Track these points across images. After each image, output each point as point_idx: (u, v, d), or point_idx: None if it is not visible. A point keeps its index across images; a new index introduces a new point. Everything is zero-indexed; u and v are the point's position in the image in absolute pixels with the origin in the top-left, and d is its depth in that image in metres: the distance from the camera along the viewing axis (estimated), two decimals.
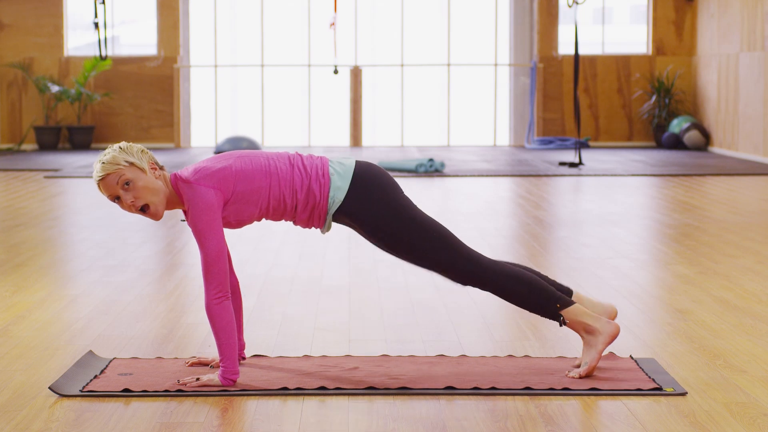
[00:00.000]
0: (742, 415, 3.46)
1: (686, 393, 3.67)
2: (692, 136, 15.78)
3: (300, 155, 3.90)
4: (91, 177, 11.99)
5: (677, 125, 16.09)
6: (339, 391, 3.69)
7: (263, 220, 3.92)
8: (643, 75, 16.77)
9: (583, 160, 13.67)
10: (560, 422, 3.40)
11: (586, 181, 11.72)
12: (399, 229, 3.84)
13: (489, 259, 3.91)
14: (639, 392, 3.67)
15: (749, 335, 4.53)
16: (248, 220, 3.86)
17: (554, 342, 4.43)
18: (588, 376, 3.88)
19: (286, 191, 3.82)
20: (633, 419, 3.42)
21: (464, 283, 3.90)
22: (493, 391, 3.68)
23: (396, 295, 5.44)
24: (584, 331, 3.91)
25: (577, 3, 13.35)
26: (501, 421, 3.40)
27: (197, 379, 3.75)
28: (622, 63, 16.80)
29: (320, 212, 3.86)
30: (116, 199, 3.77)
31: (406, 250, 3.87)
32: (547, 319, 4.07)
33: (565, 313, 3.90)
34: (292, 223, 3.94)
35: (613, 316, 4.01)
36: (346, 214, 3.86)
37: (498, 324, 4.78)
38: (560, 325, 3.91)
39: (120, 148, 3.78)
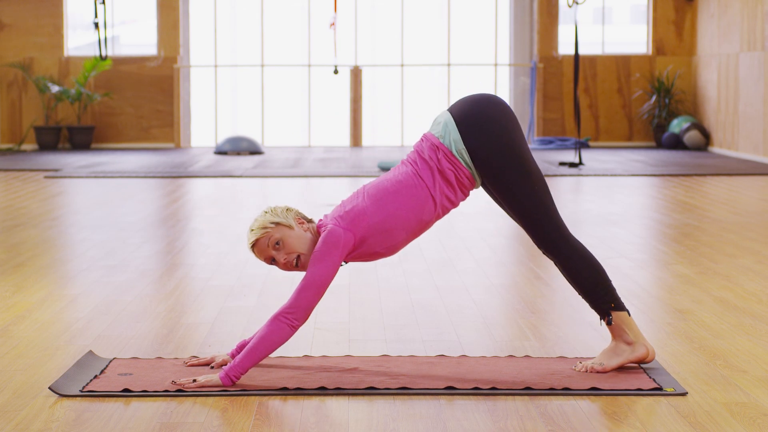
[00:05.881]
0: (742, 415, 3.46)
1: (686, 393, 3.67)
2: (692, 136, 15.78)
3: (409, 158, 3.91)
4: (91, 177, 12.00)
5: (677, 125, 16.09)
6: (339, 391, 3.69)
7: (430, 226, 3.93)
8: (643, 75, 16.77)
9: (583, 160, 13.68)
10: (560, 422, 3.40)
11: (586, 181, 11.72)
12: (505, 164, 3.83)
13: (571, 234, 3.94)
14: (639, 392, 3.67)
15: (749, 335, 4.53)
16: (402, 243, 3.88)
17: (554, 342, 4.43)
18: (592, 371, 3.91)
19: (421, 195, 3.84)
20: (633, 419, 3.42)
21: (543, 248, 3.91)
22: (493, 391, 3.68)
23: (396, 295, 5.44)
24: (621, 339, 3.93)
25: (577, 3, 13.35)
26: (501, 421, 3.40)
27: (194, 380, 3.74)
28: (622, 63, 16.80)
29: (464, 174, 3.85)
30: (272, 261, 3.85)
31: (507, 190, 3.85)
32: (595, 312, 4.06)
33: (615, 315, 3.92)
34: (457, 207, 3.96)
35: (650, 357, 4.00)
36: (477, 158, 3.83)
37: (498, 324, 4.78)
38: (604, 323, 3.93)
39: (265, 212, 3.88)
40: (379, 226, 3.82)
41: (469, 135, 3.84)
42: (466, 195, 3.92)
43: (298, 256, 3.84)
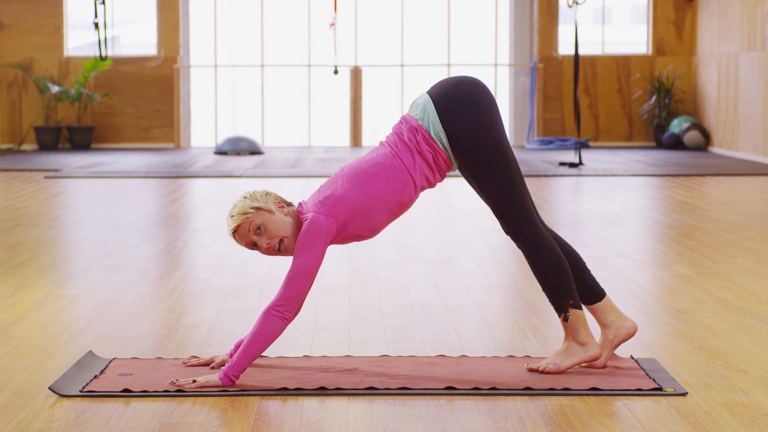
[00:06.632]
0: (742, 415, 3.46)
1: (686, 393, 3.67)
2: (692, 136, 15.78)
3: (388, 140, 3.90)
4: (91, 177, 12.00)
5: (677, 125, 16.09)
6: (339, 391, 3.69)
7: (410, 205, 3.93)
8: (643, 75, 16.77)
9: (583, 161, 13.68)
10: (560, 422, 3.40)
11: (586, 181, 11.72)
12: (482, 147, 3.82)
13: (543, 226, 3.92)
14: (639, 392, 3.67)
15: (749, 335, 4.53)
16: (382, 225, 3.87)
17: (554, 342, 4.43)
18: (545, 372, 3.88)
19: (401, 177, 3.82)
20: (633, 419, 3.42)
21: (511, 235, 3.89)
22: (493, 391, 3.68)
23: (396, 295, 5.44)
24: (574, 339, 3.93)
25: (577, 3, 13.35)
26: (501, 421, 3.40)
27: (194, 381, 3.74)
28: (622, 63, 16.80)
29: (441, 157, 3.84)
30: (254, 246, 3.82)
31: (482, 173, 3.84)
32: (553, 308, 4.05)
33: (573, 313, 3.91)
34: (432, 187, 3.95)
35: (631, 332, 4.01)
36: (455, 141, 3.82)
37: (498, 324, 4.78)
38: (562, 319, 3.92)
39: (244, 197, 3.84)
40: (360, 208, 3.80)
41: (447, 118, 3.83)
42: (442, 177, 3.91)
43: (281, 241, 3.82)
